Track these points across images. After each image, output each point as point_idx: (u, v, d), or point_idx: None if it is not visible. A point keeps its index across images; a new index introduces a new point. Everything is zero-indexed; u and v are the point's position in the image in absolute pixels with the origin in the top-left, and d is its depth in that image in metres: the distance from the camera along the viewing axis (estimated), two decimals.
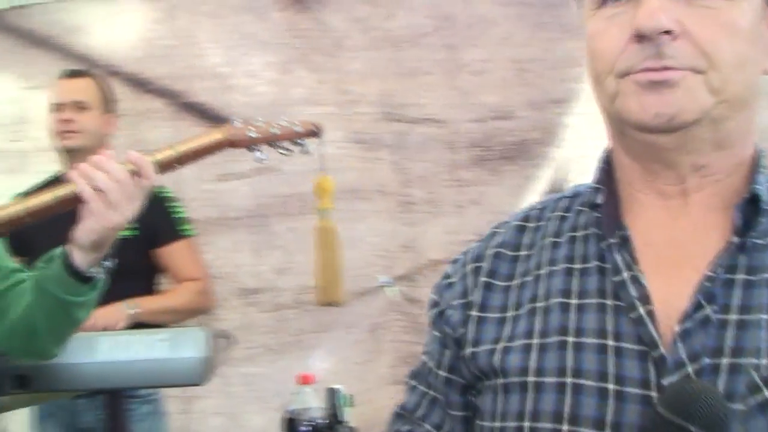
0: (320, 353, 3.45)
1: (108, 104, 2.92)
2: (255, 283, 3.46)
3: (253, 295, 3.47)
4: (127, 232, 2.73)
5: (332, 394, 2.16)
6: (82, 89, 2.88)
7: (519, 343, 0.91)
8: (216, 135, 1.72)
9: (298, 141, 1.86)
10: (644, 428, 0.79)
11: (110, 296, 2.62)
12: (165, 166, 1.66)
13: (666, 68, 0.81)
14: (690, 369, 0.81)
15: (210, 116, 3.50)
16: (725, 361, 0.80)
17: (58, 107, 2.85)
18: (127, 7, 3.50)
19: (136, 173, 1.61)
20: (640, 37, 0.81)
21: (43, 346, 1.79)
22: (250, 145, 1.75)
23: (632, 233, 0.88)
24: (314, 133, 1.86)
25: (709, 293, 0.83)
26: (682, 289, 0.84)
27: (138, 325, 2.62)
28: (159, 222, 2.83)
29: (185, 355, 2.26)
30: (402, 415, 1.04)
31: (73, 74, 2.94)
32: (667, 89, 0.81)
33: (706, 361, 0.81)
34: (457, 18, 3.30)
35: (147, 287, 2.88)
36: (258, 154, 1.78)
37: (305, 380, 2.12)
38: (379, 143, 3.45)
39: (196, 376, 2.29)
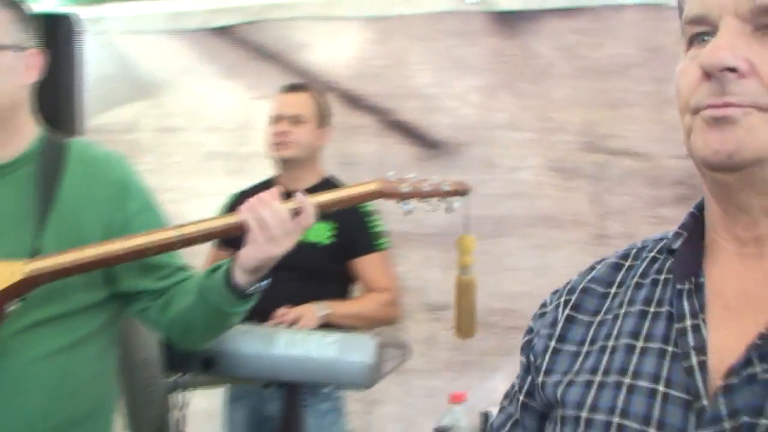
0: (501, 376, 3.46)
1: (323, 118, 3.08)
2: (442, 300, 3.50)
3: (439, 311, 3.53)
4: (326, 241, 2.92)
5: (485, 417, 2.19)
6: (300, 103, 3.04)
7: (583, 378, 0.92)
8: (372, 186, 1.86)
9: (447, 199, 1.96)
10: None
11: (306, 297, 2.81)
12: (324, 208, 1.81)
13: (727, 104, 0.79)
14: (727, 425, 0.79)
15: (415, 135, 3.62)
16: (764, 422, 0.77)
17: (276, 119, 3.03)
18: (347, 28, 3.66)
19: (297, 213, 1.76)
20: (708, 75, 0.80)
21: (196, 341, 1.98)
22: (400, 198, 1.88)
23: (707, 280, 0.87)
24: (462, 193, 1.95)
25: (763, 351, 0.80)
26: (739, 342, 0.81)
27: (327, 326, 2.74)
28: (357, 234, 2.97)
29: (353, 359, 2.38)
30: None
31: (292, 89, 3.11)
32: (728, 125, 0.79)
33: (745, 419, 0.78)
34: (667, 50, 3.20)
35: (340, 293, 3.01)
36: (406, 206, 1.89)
37: (456, 399, 2.17)
38: (578, 173, 3.41)
39: (361, 380, 2.40)
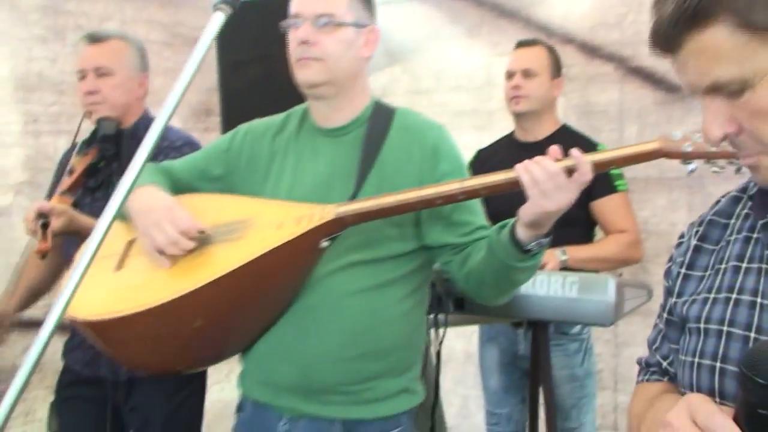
0: None
1: (555, 69, 3.19)
2: None
3: None
4: None
5: None
6: (530, 58, 3.18)
7: (702, 296, 1.11)
8: (652, 145, 1.73)
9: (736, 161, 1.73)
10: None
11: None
12: (600, 166, 1.77)
13: (745, 156, 1.00)
14: None
15: (654, 80, 3.61)
16: None
17: (510, 75, 3.19)
18: None
19: (572, 170, 1.74)
20: None
21: (487, 295, 2.05)
22: (682, 158, 1.71)
23: None
24: None
25: None
26: None
27: (567, 269, 2.86)
28: (596, 177, 3.08)
29: (593, 298, 2.50)
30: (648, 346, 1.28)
31: (523, 44, 3.25)
32: (753, 171, 1.01)
33: None
34: None
35: (583, 237, 3.12)
36: (689, 165, 1.73)
37: None
38: None
39: (601, 318, 2.50)
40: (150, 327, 1.84)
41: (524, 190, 1.75)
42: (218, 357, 2.13)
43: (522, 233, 1.82)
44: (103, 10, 4.04)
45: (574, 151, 1.77)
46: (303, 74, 2.03)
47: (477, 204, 2.06)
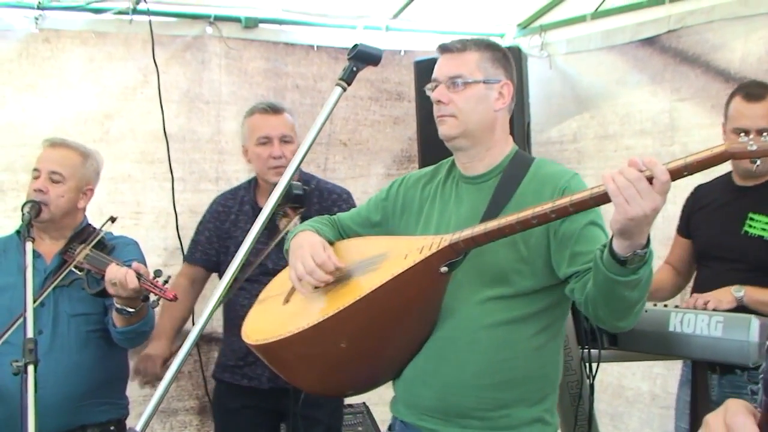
0: None
1: None
2: None
3: None
4: (766, 233, 3.05)
5: None
6: (763, 114, 3.02)
7: None
8: (720, 148, 1.77)
9: None
10: None
11: (729, 280, 2.97)
12: (674, 174, 1.76)
13: None
14: None
15: None
16: None
17: (743, 131, 3.02)
18: (761, 23, 3.69)
19: (651, 177, 1.75)
20: None
21: (604, 316, 2.06)
22: (749, 158, 1.77)
23: None
24: None
25: None
26: None
27: (741, 309, 2.80)
28: None
29: (735, 337, 2.57)
30: None
31: (754, 98, 3.07)
32: None
33: None
34: None
35: None
36: (758, 162, 1.80)
37: None
38: None
39: (743, 357, 2.57)
40: (303, 348, 2.14)
41: (612, 199, 1.80)
42: (372, 382, 2.40)
43: (616, 244, 1.87)
44: (317, 71, 4.54)
45: (648, 159, 1.80)
46: (441, 129, 2.29)
47: (600, 236, 2.13)
